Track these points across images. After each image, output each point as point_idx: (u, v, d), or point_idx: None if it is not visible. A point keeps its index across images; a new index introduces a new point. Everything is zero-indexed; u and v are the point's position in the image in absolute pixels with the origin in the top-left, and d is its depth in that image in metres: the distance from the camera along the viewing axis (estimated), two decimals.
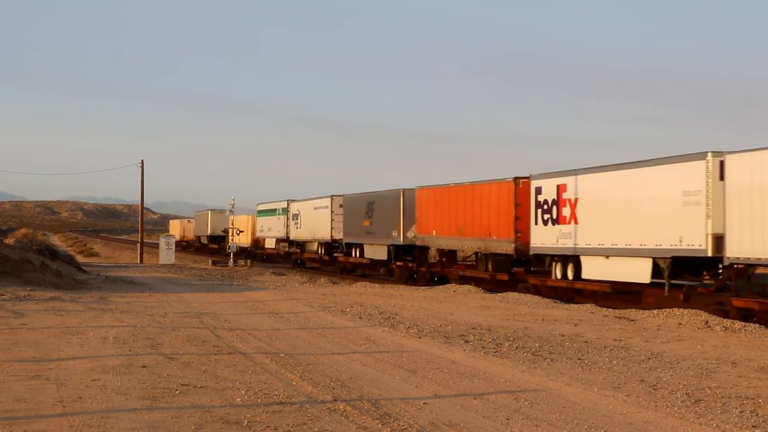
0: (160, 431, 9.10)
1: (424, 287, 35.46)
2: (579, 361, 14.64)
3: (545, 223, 30.46)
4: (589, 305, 26.10)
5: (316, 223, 52.92)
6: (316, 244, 53.70)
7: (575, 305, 26.45)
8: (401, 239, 40.55)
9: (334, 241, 50.25)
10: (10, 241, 50.85)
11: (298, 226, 56.78)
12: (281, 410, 10.18)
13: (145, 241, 66.60)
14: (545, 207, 30.54)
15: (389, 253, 42.20)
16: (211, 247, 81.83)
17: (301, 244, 57.28)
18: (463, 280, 35.75)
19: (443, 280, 37.45)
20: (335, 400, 10.85)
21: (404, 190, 40.77)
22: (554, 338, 17.73)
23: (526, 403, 10.99)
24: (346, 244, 48.65)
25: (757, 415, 10.54)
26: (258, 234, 67.95)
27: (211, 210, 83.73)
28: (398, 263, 41.52)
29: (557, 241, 29.57)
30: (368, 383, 12.18)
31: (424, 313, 22.83)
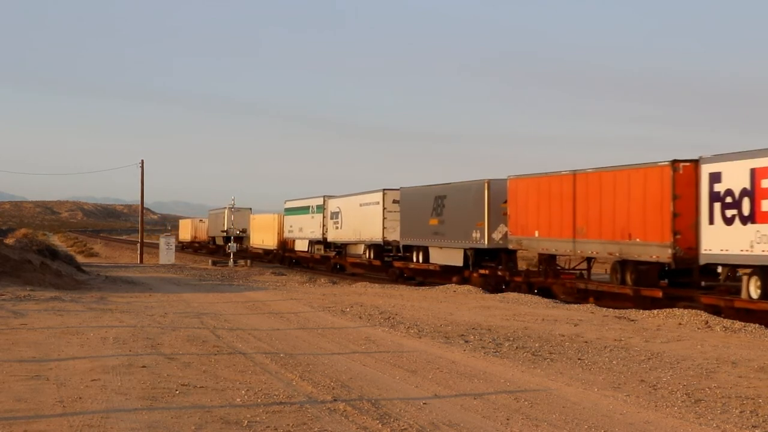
0: (160, 431, 9.10)
1: (424, 287, 35.39)
2: (579, 361, 14.64)
3: (728, 221, 22.84)
4: (589, 305, 26.07)
5: (362, 222, 46.10)
6: (363, 246, 46.88)
7: (575, 305, 26.44)
8: (485, 241, 33.52)
9: (386, 243, 43.61)
10: (10, 241, 50.85)
11: (339, 225, 49.89)
12: (281, 410, 10.18)
13: (145, 241, 66.58)
14: (729, 200, 22.92)
15: (466, 258, 35.26)
16: (227, 249, 77.67)
17: (342, 247, 50.48)
18: (584, 296, 28.77)
19: (546, 293, 30.20)
20: (335, 400, 10.85)
21: (490, 181, 33.83)
22: (554, 338, 17.73)
23: (526, 403, 10.98)
24: (404, 246, 41.85)
25: (757, 415, 10.54)
26: (287, 235, 60.32)
27: (228, 208, 74.97)
28: (481, 271, 34.40)
29: (752, 246, 21.99)
30: (368, 383, 12.18)
31: (424, 313, 22.83)
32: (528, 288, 31.07)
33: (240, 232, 69.62)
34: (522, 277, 32.24)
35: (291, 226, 59.19)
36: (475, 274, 34.71)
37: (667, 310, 23.26)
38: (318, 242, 53.94)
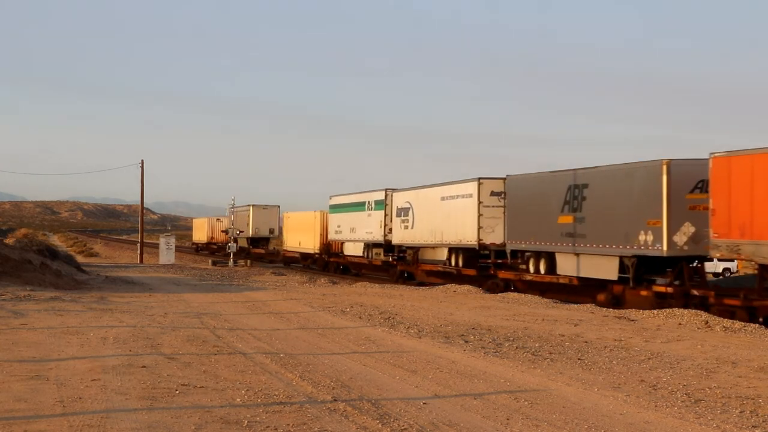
0: (160, 431, 9.10)
1: (424, 287, 35.36)
2: (579, 361, 14.64)
3: None
4: (589, 305, 26.07)
5: (445, 221, 37.21)
6: (446, 251, 37.68)
7: (575, 305, 26.44)
8: (662, 246, 24.38)
9: (482, 246, 34.31)
10: (10, 241, 50.90)
11: (409, 224, 41.31)
12: (281, 410, 10.17)
13: (145, 241, 66.55)
14: None
15: (624, 269, 26.17)
16: (255, 252, 66.53)
17: (414, 251, 41.36)
18: None
19: None
20: (335, 400, 10.85)
21: (670, 162, 24.59)
22: (554, 338, 17.73)
23: (526, 403, 10.98)
24: (513, 252, 32.78)
25: (757, 415, 10.54)
26: (333, 236, 52.16)
27: (253, 206, 67.71)
28: (657, 288, 25.19)
29: None
30: (368, 383, 12.17)
31: (424, 313, 22.83)
32: (749, 316, 21.78)
33: (269, 233, 65.33)
34: (740, 300, 22.26)
35: (339, 226, 50.83)
36: (644, 292, 25.43)
37: (667, 310, 23.26)
38: (376, 245, 45.49)
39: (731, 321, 21.00)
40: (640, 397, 11.50)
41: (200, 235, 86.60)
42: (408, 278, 42.14)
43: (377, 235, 45.01)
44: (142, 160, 61.91)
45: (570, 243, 28.58)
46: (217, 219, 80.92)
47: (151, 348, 15.16)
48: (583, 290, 28.35)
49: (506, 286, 32.73)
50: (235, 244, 59.14)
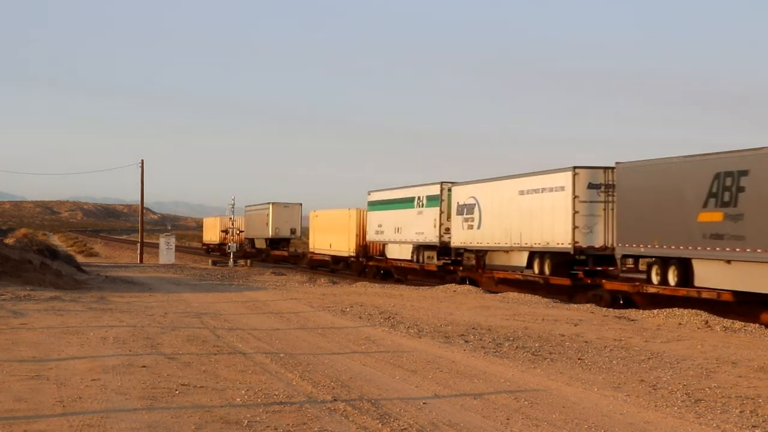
0: (160, 431, 9.10)
1: (423, 287, 35.37)
2: (579, 361, 14.64)
3: None
4: (588, 305, 26.08)
5: (526, 219, 31.42)
6: (525, 255, 32.02)
7: (575, 305, 26.44)
8: None
9: (578, 250, 28.75)
10: (10, 241, 50.94)
11: (474, 224, 35.03)
12: (281, 410, 10.17)
13: (145, 241, 66.54)
14: None
15: None
16: (276, 254, 61.38)
17: (480, 255, 35.45)
18: None
19: None
20: (335, 400, 10.85)
21: None
22: (554, 338, 17.73)
23: (526, 403, 10.98)
24: (624, 256, 27.35)
25: (757, 415, 10.54)
26: (372, 237, 45.88)
27: (273, 203, 61.53)
28: None
29: None
30: (368, 383, 12.17)
31: (424, 313, 22.83)
32: None
33: (291, 233, 60.09)
34: None
35: (380, 226, 44.61)
36: None
37: (667, 310, 23.26)
38: (428, 247, 39.43)
39: (731, 321, 20.99)
40: (640, 397, 11.50)
41: (211, 235, 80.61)
42: (467, 283, 35.29)
43: (430, 236, 38.83)
44: (142, 160, 61.86)
45: (717, 247, 22.55)
46: (230, 218, 77.55)
47: (151, 348, 15.16)
48: (739, 307, 22.37)
49: (613, 300, 27.00)
50: (234, 244, 59.12)
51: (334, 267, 51.38)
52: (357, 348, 15.80)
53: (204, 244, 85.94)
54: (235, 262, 55.73)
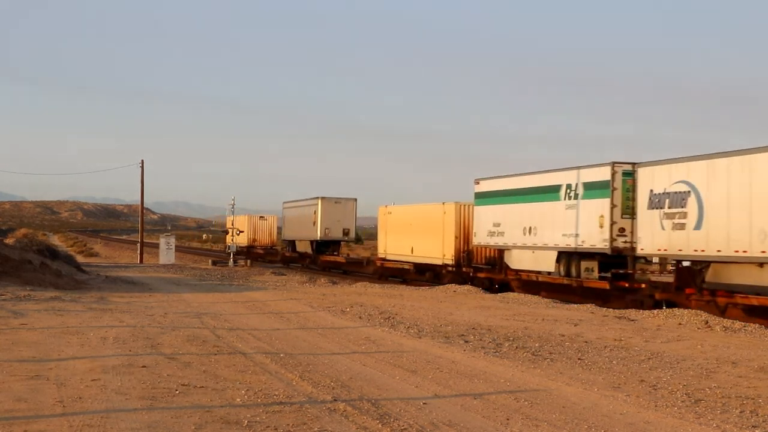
0: (160, 431, 9.10)
1: (424, 287, 35.36)
2: (579, 361, 14.64)
3: None
4: (589, 305, 26.08)
5: None
6: None
7: (575, 305, 26.45)
8: None
9: None
10: (10, 241, 50.94)
11: (688, 221, 24.28)
12: (281, 410, 10.17)
13: (145, 241, 66.53)
14: None
15: None
16: (326, 260, 52.42)
17: (697, 269, 24.58)
18: None
19: None
20: (335, 400, 10.85)
21: None
22: (554, 338, 17.74)
23: (526, 403, 10.98)
24: None
25: (757, 415, 10.55)
26: (483, 240, 35.38)
27: (323, 198, 52.96)
28: None
29: None
30: (368, 383, 12.17)
31: (424, 313, 22.83)
32: None
33: (343, 234, 52.36)
34: None
35: (497, 225, 34.11)
36: None
37: (668, 310, 23.29)
38: (587, 255, 28.89)
39: (731, 321, 21.00)
40: (640, 397, 11.51)
41: (239, 236, 69.62)
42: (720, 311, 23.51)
43: (591, 239, 28.24)
44: (142, 160, 61.80)
45: None
46: (261, 217, 68.46)
47: (151, 348, 15.16)
48: None
49: None
50: (234, 244, 59.07)
51: (417, 278, 40.53)
52: (357, 348, 15.80)
53: (228, 247, 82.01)
54: (235, 262, 55.72)
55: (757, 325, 20.30)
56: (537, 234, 31.43)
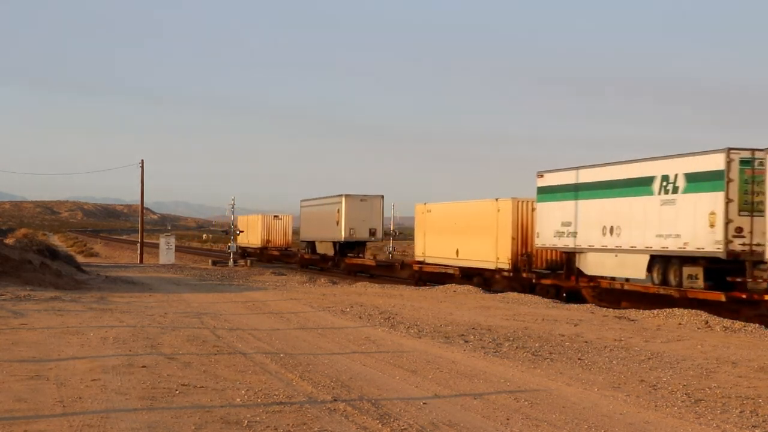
0: (160, 431, 9.10)
1: (424, 287, 35.36)
2: (579, 361, 14.64)
3: None
4: (589, 305, 26.09)
5: None
6: None
7: (575, 305, 26.45)
8: None
9: None
10: (10, 241, 50.93)
11: None
12: (281, 410, 10.17)
13: (145, 241, 66.52)
14: None
15: None
16: (352, 263, 48.62)
17: None
18: None
19: None
20: (335, 400, 10.85)
21: None
22: (554, 338, 17.73)
23: (526, 403, 10.98)
24: None
25: (757, 415, 10.55)
26: (547, 241, 30.88)
27: (347, 196, 49.18)
28: None
29: None
30: (368, 383, 12.17)
31: (424, 313, 22.83)
32: None
33: (369, 234, 48.32)
34: None
35: (566, 224, 29.53)
36: None
37: (668, 310, 23.27)
38: (689, 260, 24.70)
39: (731, 321, 20.99)
40: (640, 397, 11.51)
41: (251, 237, 67.63)
42: None
43: (698, 241, 23.85)
44: (142, 160, 61.82)
45: None
46: (275, 217, 65.28)
47: (151, 348, 15.16)
48: None
49: None
50: (234, 244, 59.04)
51: (467, 283, 34.69)
52: (357, 348, 15.80)
53: (238, 247, 71.65)
54: (235, 262, 55.72)
55: (756, 325, 20.29)
56: (621, 234, 26.75)
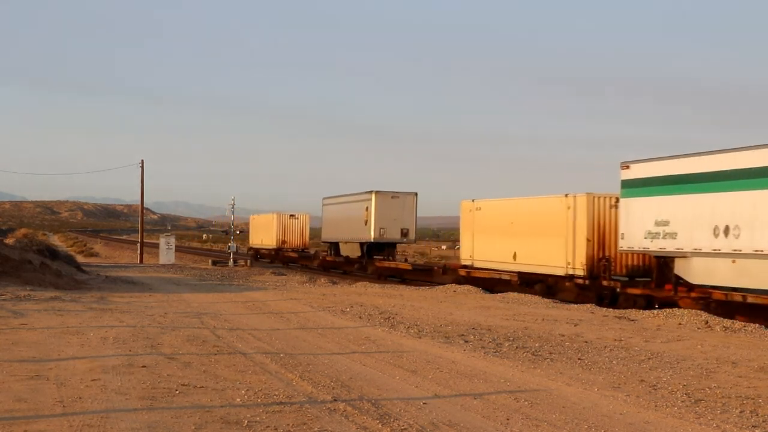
0: (160, 431, 9.10)
1: (424, 287, 35.35)
2: (579, 361, 14.64)
3: None
4: (589, 305, 26.08)
5: None
6: None
7: (575, 305, 26.44)
8: None
9: None
10: (10, 241, 50.94)
11: None
12: (281, 410, 10.17)
13: (145, 241, 66.53)
14: None
15: None
16: (384, 266, 44.57)
17: None
18: None
19: None
20: (335, 400, 10.85)
21: None
22: (554, 338, 17.73)
23: (526, 403, 10.98)
24: None
25: (757, 415, 10.55)
26: (635, 243, 26.16)
27: (377, 192, 45.07)
28: None
29: None
30: (368, 383, 12.17)
31: (424, 313, 22.83)
32: None
33: (401, 235, 44.21)
34: None
35: (660, 223, 25.17)
36: None
37: (667, 310, 23.28)
38: None
39: (731, 321, 20.99)
40: (640, 397, 11.51)
41: (264, 237, 64.19)
42: None
43: None
44: (142, 160, 61.89)
45: None
46: (291, 215, 61.46)
47: (151, 348, 15.16)
48: None
49: None
50: (234, 244, 59.07)
51: (524, 291, 31.24)
52: (357, 348, 15.80)
53: (250, 249, 69.38)
54: (235, 262, 55.73)
55: (757, 325, 20.29)
56: (740, 236, 22.06)
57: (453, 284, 34.65)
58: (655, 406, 10.99)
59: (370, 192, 45.16)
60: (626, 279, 27.56)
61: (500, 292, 31.54)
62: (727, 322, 20.69)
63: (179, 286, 33.49)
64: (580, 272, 28.64)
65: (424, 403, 10.81)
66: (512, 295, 29.47)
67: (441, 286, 34.44)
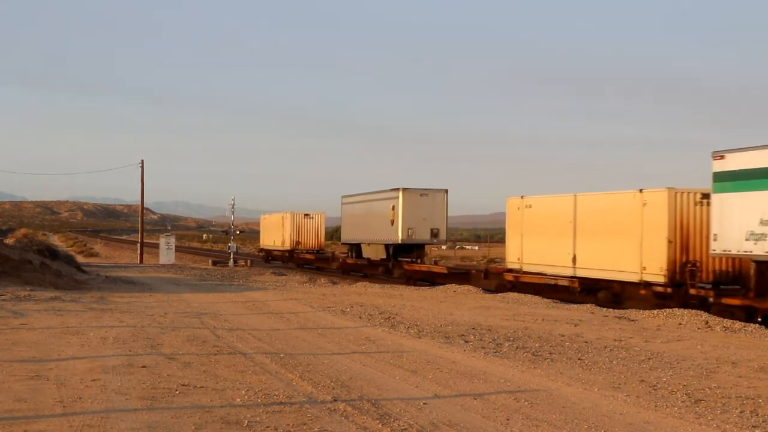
0: (160, 431, 9.10)
1: (424, 287, 35.32)
2: (579, 361, 14.64)
3: None
4: (589, 305, 26.06)
5: None
6: None
7: (575, 305, 26.43)
8: None
9: None
10: (10, 241, 50.92)
11: None
12: (281, 410, 10.17)
13: (145, 241, 66.52)
14: None
15: None
16: (412, 269, 40.77)
17: None
18: None
19: None
20: (335, 400, 10.85)
21: None
22: (554, 338, 17.73)
23: (526, 403, 10.98)
24: None
25: (757, 415, 10.55)
26: (731, 245, 22.38)
27: (405, 190, 41.73)
28: None
29: None
30: (368, 383, 12.17)
31: (424, 313, 22.83)
32: None
33: (431, 236, 41.11)
34: None
35: None
36: None
37: (667, 310, 23.27)
38: None
39: (731, 321, 20.98)
40: (640, 397, 11.51)
41: (275, 237, 61.25)
42: None
43: None
44: (142, 160, 61.91)
45: None
46: (305, 215, 58.31)
47: (151, 348, 15.16)
48: None
49: None
50: (235, 245, 59.06)
51: (583, 299, 28.32)
52: (357, 348, 15.80)
53: (261, 250, 66.81)
54: (235, 262, 55.71)
55: (756, 325, 20.27)
56: None
57: (453, 284, 34.55)
58: (655, 406, 10.99)
59: (397, 189, 41.81)
60: (709, 286, 24.28)
61: (555, 299, 28.45)
62: (727, 322, 20.68)
63: (179, 286, 33.49)
64: (659, 278, 25.35)
65: (424, 403, 10.81)
66: (512, 295, 29.45)
67: (441, 286, 34.42)
